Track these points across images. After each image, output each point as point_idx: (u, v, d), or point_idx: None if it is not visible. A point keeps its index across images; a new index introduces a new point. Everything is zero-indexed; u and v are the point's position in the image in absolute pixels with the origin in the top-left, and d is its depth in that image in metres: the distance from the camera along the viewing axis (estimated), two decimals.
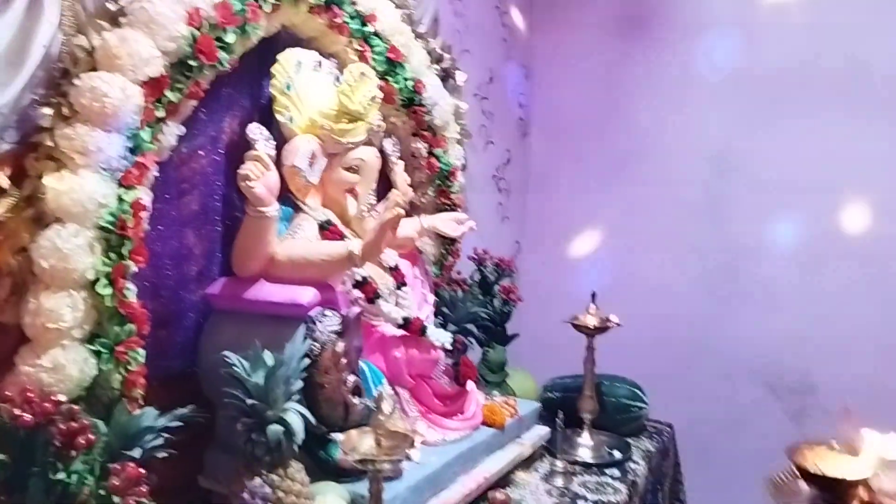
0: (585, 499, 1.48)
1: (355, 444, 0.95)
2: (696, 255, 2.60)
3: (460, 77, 2.04)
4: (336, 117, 1.31)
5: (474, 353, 1.89)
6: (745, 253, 2.54)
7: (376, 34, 1.52)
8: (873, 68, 2.30)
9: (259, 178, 1.14)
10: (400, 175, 1.62)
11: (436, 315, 1.77)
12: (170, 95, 1.09)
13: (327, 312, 1.20)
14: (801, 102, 2.42)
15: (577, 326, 1.70)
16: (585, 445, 1.70)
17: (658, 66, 2.64)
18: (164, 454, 1.01)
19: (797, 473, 1.10)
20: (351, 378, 1.23)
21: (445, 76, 1.99)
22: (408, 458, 1.01)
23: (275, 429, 1.04)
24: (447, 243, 1.86)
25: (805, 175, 2.42)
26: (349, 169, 1.35)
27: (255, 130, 1.18)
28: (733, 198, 2.55)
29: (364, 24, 1.50)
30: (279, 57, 1.32)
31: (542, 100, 2.85)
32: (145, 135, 1.06)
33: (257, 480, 1.03)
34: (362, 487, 1.15)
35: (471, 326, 1.81)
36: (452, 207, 1.80)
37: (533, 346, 2.37)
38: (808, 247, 2.45)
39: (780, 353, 2.48)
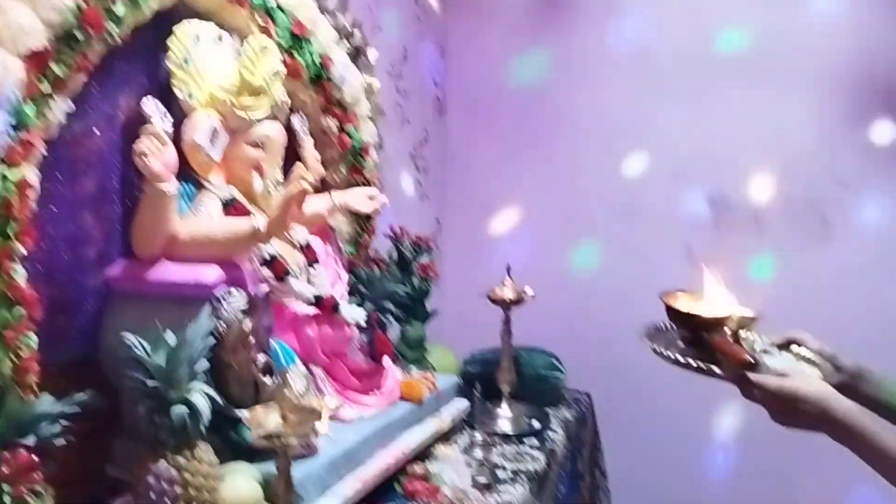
0: (504, 468, 1.50)
1: (261, 420, 0.93)
2: (611, 227, 2.66)
3: (372, 54, 2.01)
4: (238, 92, 1.28)
5: (393, 330, 1.90)
6: (659, 223, 2.61)
7: (280, 8, 1.48)
8: (776, 42, 2.39)
9: (155, 153, 1.10)
10: (309, 151, 1.60)
11: (352, 293, 1.77)
12: (56, 69, 1.04)
13: (233, 291, 1.17)
14: (705, 78, 2.49)
15: (493, 300, 1.72)
16: (505, 416, 1.72)
17: (571, 45, 2.67)
18: (63, 442, 0.98)
19: (668, 315, 1.15)
20: (261, 357, 1.22)
21: (356, 53, 1.97)
22: (315, 432, 1.00)
23: (179, 410, 1.01)
24: (362, 221, 1.85)
25: (712, 148, 2.50)
26: (253, 145, 1.32)
27: (150, 105, 1.14)
28: (646, 171, 2.61)
29: None
30: (176, 30, 1.28)
31: (458, 78, 2.85)
32: (29, 111, 1.01)
33: (162, 463, 1.00)
34: (268, 466, 1.14)
35: (388, 304, 1.81)
36: (366, 184, 1.79)
37: (456, 322, 2.39)
38: (717, 215, 2.54)
39: None
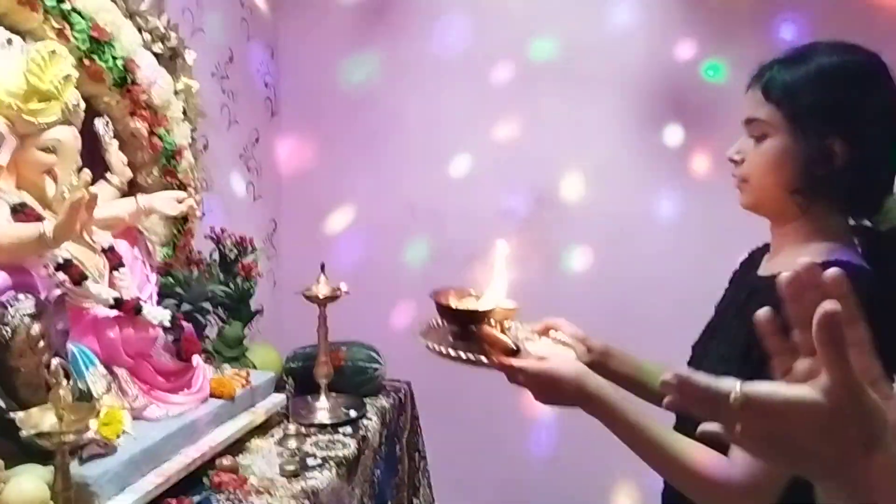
0: (315, 456, 1.57)
1: (37, 421, 0.96)
2: (441, 225, 2.79)
3: (189, 56, 2.03)
4: (25, 97, 1.28)
5: (212, 330, 1.93)
6: (484, 223, 2.77)
7: (77, 11, 1.49)
8: (582, 50, 2.59)
9: None
10: (115, 155, 1.61)
11: (171, 295, 1.79)
12: None
13: (20, 296, 1.18)
14: (523, 81, 2.67)
15: (307, 297, 1.78)
16: (323, 408, 1.79)
17: (399, 48, 2.77)
18: None
19: (438, 312, 1.25)
20: (54, 360, 1.23)
21: (173, 55, 1.98)
22: (88, 429, 1.04)
23: None
24: (179, 223, 1.87)
25: (529, 150, 2.69)
26: (45, 149, 1.33)
27: None
28: (470, 172, 2.76)
29: (61, 1, 1.46)
30: None
31: (290, 80, 2.89)
32: None
33: None
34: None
35: (206, 304, 1.85)
36: (180, 186, 1.80)
37: (294, 321, 2.44)
38: (537, 215, 2.73)
39: (520, 303, 2.73)
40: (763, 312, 0.58)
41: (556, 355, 1.17)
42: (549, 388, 1.09)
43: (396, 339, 2.57)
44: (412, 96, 2.78)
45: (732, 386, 0.57)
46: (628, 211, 2.62)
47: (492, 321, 1.21)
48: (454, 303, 1.22)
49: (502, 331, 1.21)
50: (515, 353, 1.15)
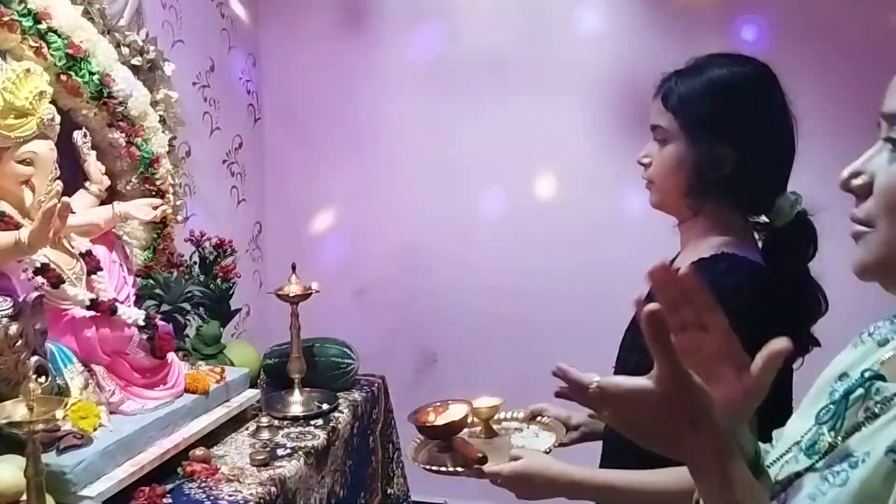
0: (285, 446, 1.66)
1: (10, 412, 1.05)
2: (420, 225, 2.89)
3: (168, 67, 2.13)
4: (2, 113, 1.37)
5: (191, 329, 2.03)
6: (465, 222, 2.86)
7: (53, 30, 1.58)
8: (552, 55, 2.68)
9: None
10: (93, 165, 1.71)
11: (151, 296, 1.88)
12: None
13: None
14: (497, 86, 2.76)
15: (280, 296, 1.87)
16: (296, 402, 1.88)
17: (376, 55, 2.87)
18: None
19: (420, 432, 1.34)
20: (33, 358, 1.32)
21: (152, 66, 2.07)
22: (61, 418, 1.13)
23: None
24: (158, 228, 1.96)
25: (504, 151, 2.78)
26: (22, 162, 1.42)
27: None
28: (449, 173, 2.85)
29: (38, 22, 1.55)
30: None
31: (272, 86, 2.98)
32: None
33: None
34: (45, 457, 1.25)
35: (185, 305, 1.94)
36: (158, 193, 1.89)
37: (280, 320, 2.53)
38: (512, 214, 2.82)
39: (498, 307, 2.83)
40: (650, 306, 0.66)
41: (529, 452, 1.23)
42: (524, 485, 1.17)
43: (375, 335, 2.69)
44: (390, 100, 2.87)
45: (592, 379, 0.70)
46: (600, 209, 2.71)
47: (473, 424, 1.30)
48: (432, 419, 1.29)
49: (489, 428, 1.30)
50: (483, 460, 1.22)
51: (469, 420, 1.35)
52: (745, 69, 1.16)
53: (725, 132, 1.12)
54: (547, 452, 1.21)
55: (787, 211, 1.13)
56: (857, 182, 0.68)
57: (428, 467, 1.25)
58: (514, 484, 1.17)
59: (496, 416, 1.37)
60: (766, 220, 1.18)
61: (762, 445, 0.87)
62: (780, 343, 0.70)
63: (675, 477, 1.05)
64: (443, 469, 1.22)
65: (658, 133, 1.21)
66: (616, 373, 1.22)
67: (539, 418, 1.39)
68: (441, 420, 1.25)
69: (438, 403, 1.35)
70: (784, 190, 1.16)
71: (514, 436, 1.30)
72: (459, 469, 1.21)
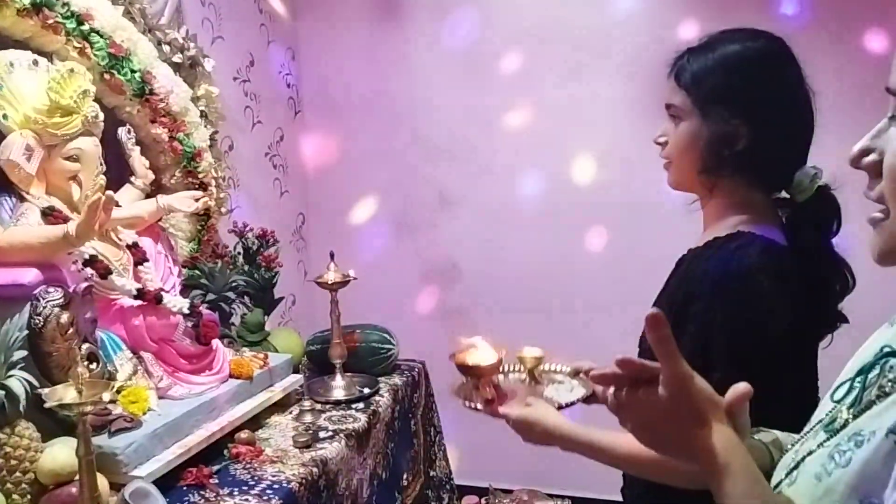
0: (327, 429, 1.71)
1: (61, 395, 1.11)
2: (460, 210, 2.91)
3: (209, 63, 2.18)
4: (49, 112, 1.43)
5: (236, 317, 2.09)
6: (502, 207, 2.87)
7: (95, 31, 1.64)
8: (587, 36, 2.67)
9: None
10: (137, 160, 1.77)
11: (196, 286, 1.94)
12: None
13: (50, 289, 1.34)
14: (532, 69, 2.76)
15: (319, 283, 1.91)
16: (338, 386, 1.93)
17: (411, 44, 2.89)
18: None
19: (459, 370, 1.36)
20: (84, 345, 1.38)
21: (193, 63, 2.13)
22: (111, 401, 1.19)
23: None
24: (202, 220, 2.02)
25: (541, 135, 2.78)
26: (69, 158, 1.48)
27: None
28: (486, 160, 2.86)
29: (81, 23, 1.61)
30: None
31: (311, 79, 3.03)
32: None
33: None
34: (98, 440, 1.32)
35: (230, 294, 2.00)
36: (200, 186, 1.94)
37: (322, 308, 2.59)
38: (550, 197, 2.82)
39: (537, 290, 2.84)
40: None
41: (538, 402, 1.25)
42: (525, 430, 1.21)
43: (418, 322, 2.72)
44: (426, 89, 2.89)
45: (609, 392, 0.72)
46: (639, 191, 2.68)
47: (512, 369, 1.35)
48: (470, 360, 1.32)
49: (534, 377, 1.33)
50: (490, 402, 1.25)
51: (510, 367, 1.39)
52: (757, 44, 1.14)
53: (738, 107, 1.11)
54: (558, 408, 1.23)
55: (807, 185, 1.11)
56: (867, 160, 0.67)
57: (464, 403, 1.28)
58: (517, 428, 1.21)
59: (542, 367, 1.39)
60: (788, 196, 1.16)
61: (782, 436, 0.87)
62: (741, 387, 0.70)
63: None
64: (467, 404, 1.25)
65: (672, 111, 1.20)
66: None
67: (581, 374, 1.40)
68: (471, 361, 1.29)
69: (475, 346, 1.38)
70: (803, 164, 1.14)
71: (550, 387, 1.32)
72: (477, 407, 1.24)
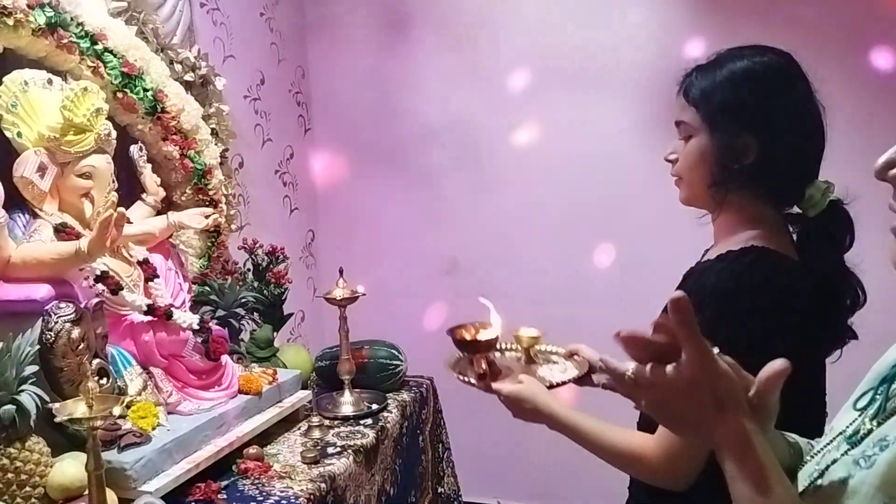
0: (335, 445, 1.71)
1: (71, 410, 1.12)
2: (467, 229, 2.92)
3: (219, 82, 2.21)
4: (63, 130, 1.46)
5: (245, 333, 2.10)
6: (510, 224, 2.88)
7: (109, 50, 1.67)
8: (595, 54, 2.69)
9: None
10: (149, 177, 1.79)
11: (206, 303, 1.95)
12: None
13: (62, 304, 1.35)
14: (541, 87, 2.77)
15: (328, 300, 1.92)
16: (347, 402, 1.93)
17: (419, 64, 2.92)
18: None
19: (455, 345, 1.37)
20: (95, 361, 1.39)
21: (204, 82, 2.16)
22: (120, 416, 1.19)
23: (7, 408, 1.19)
24: (212, 237, 2.04)
25: (549, 151, 2.79)
26: (81, 175, 1.50)
27: None
28: (495, 176, 2.88)
29: (95, 43, 1.64)
30: (5, 79, 1.45)
31: (320, 97, 3.05)
32: None
33: None
34: (107, 455, 1.33)
35: (239, 310, 2.01)
36: (211, 202, 1.97)
37: (331, 324, 2.60)
38: (559, 214, 2.83)
39: (545, 300, 2.84)
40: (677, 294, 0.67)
41: (530, 380, 1.27)
42: (515, 407, 1.23)
43: (426, 338, 2.70)
44: (435, 107, 2.91)
45: (627, 368, 0.72)
46: (647, 208, 2.69)
47: (505, 347, 1.37)
48: (468, 335, 1.32)
49: (529, 357, 1.34)
50: (483, 377, 1.26)
51: (506, 345, 1.41)
52: (765, 59, 1.15)
53: (746, 121, 1.12)
54: (549, 387, 1.24)
55: (819, 200, 1.12)
56: (893, 172, 0.66)
57: (457, 377, 1.28)
58: (508, 403, 1.23)
59: (538, 347, 1.40)
60: (800, 211, 1.16)
61: (802, 442, 0.88)
62: (778, 364, 0.71)
63: (629, 440, 1.14)
64: (461, 378, 1.26)
65: (682, 129, 1.21)
66: None
67: (574, 356, 1.41)
68: (468, 336, 1.30)
69: (479, 324, 1.38)
70: (814, 179, 1.14)
71: (544, 367, 1.34)
72: (470, 381, 1.25)
